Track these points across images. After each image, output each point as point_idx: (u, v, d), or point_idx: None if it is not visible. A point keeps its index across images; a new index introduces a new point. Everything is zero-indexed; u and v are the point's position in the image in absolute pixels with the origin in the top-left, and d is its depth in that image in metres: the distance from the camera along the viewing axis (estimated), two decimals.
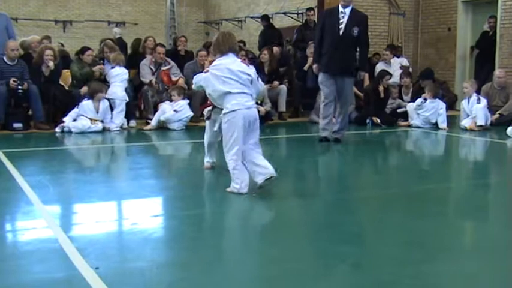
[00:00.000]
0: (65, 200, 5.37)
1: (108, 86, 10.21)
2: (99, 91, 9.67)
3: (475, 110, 10.24)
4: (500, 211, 5.27)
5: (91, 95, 9.67)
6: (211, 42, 12.62)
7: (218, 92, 5.48)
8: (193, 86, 5.95)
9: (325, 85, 8.54)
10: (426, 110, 10.57)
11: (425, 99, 10.58)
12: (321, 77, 8.58)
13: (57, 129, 9.47)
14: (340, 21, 8.31)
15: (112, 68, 10.35)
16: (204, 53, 11.45)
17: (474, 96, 10.42)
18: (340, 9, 8.35)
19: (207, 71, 5.61)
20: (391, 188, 6.02)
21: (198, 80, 5.71)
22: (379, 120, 10.76)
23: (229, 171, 5.38)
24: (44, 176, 6.36)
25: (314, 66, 8.83)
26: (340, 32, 8.32)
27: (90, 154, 8.38)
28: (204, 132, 6.24)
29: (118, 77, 10.24)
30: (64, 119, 9.46)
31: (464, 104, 10.65)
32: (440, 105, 10.60)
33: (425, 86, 11.18)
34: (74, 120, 9.46)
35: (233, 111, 5.36)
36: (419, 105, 10.59)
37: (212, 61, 5.80)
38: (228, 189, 5.36)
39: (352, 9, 8.44)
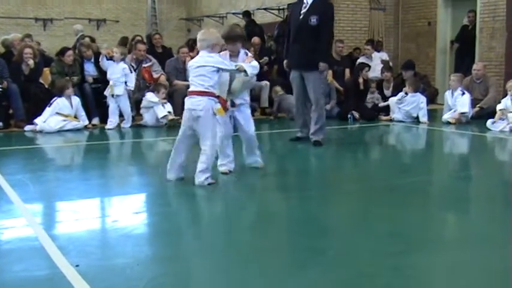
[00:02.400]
0: (45, 198, 5.35)
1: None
2: (66, 87, 9.64)
3: (459, 101, 10.32)
4: (481, 203, 5.32)
5: (60, 93, 9.63)
6: (195, 39, 12.72)
7: None
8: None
9: (292, 83, 8.26)
10: (407, 104, 10.63)
11: (406, 94, 10.65)
12: (290, 74, 8.27)
13: (27, 129, 9.44)
14: (301, 12, 7.86)
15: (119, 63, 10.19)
16: (185, 49, 11.44)
17: (459, 91, 10.49)
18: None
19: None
20: (372, 181, 6.04)
21: None
22: (357, 115, 10.81)
23: None
24: (24, 174, 6.32)
25: (284, 63, 8.39)
26: (299, 23, 7.91)
27: (71, 152, 8.35)
28: None
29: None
30: (35, 120, 9.40)
31: (447, 95, 10.72)
32: (421, 99, 10.67)
33: (407, 77, 11.24)
34: (46, 121, 9.40)
35: None
36: (400, 100, 10.66)
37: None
38: None
39: None
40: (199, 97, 5.56)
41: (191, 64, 5.74)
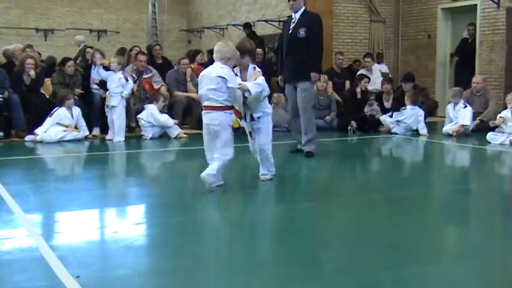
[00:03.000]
0: (46, 208, 5.35)
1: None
2: (67, 98, 9.65)
3: (461, 113, 10.35)
4: (481, 216, 5.31)
5: (60, 103, 9.65)
6: (195, 51, 12.77)
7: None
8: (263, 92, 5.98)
9: (287, 97, 8.43)
10: (407, 117, 10.66)
11: (405, 107, 10.71)
12: (285, 88, 8.41)
13: (27, 139, 9.45)
14: (291, 27, 8.05)
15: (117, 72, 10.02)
16: (186, 61, 11.49)
17: (461, 104, 10.52)
18: (292, 15, 8.13)
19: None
20: (372, 193, 6.04)
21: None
22: (354, 124, 10.84)
23: None
24: (25, 184, 6.33)
25: (279, 78, 8.52)
26: (288, 37, 8.11)
27: (71, 163, 8.36)
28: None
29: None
30: (36, 130, 9.42)
31: (449, 108, 10.75)
32: (420, 113, 10.72)
33: (407, 89, 11.28)
34: (46, 131, 9.41)
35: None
36: (399, 112, 10.73)
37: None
38: None
39: (303, 12, 8.04)
40: (214, 112, 5.69)
41: (203, 74, 5.83)
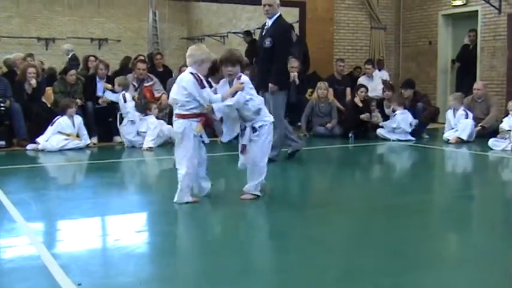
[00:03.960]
0: (47, 216, 5.35)
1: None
2: (69, 107, 9.67)
3: (462, 124, 10.35)
4: (481, 223, 5.31)
5: (62, 111, 9.68)
6: None
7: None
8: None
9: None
10: (398, 123, 10.67)
11: (394, 112, 10.74)
12: None
13: (29, 148, 9.46)
14: (263, 34, 8.01)
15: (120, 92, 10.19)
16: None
17: (461, 111, 10.52)
18: (266, 21, 8.04)
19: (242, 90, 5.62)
20: (372, 200, 6.02)
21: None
22: (368, 115, 10.91)
23: None
24: (27, 193, 6.33)
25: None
26: (259, 46, 8.15)
27: (73, 171, 8.36)
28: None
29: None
30: (38, 139, 9.44)
31: (449, 114, 10.75)
32: (409, 116, 10.76)
33: (407, 95, 11.32)
34: (48, 140, 9.44)
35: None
36: (390, 120, 10.78)
37: None
38: None
39: (275, 20, 7.87)
40: (180, 120, 5.52)
41: (177, 81, 5.65)
